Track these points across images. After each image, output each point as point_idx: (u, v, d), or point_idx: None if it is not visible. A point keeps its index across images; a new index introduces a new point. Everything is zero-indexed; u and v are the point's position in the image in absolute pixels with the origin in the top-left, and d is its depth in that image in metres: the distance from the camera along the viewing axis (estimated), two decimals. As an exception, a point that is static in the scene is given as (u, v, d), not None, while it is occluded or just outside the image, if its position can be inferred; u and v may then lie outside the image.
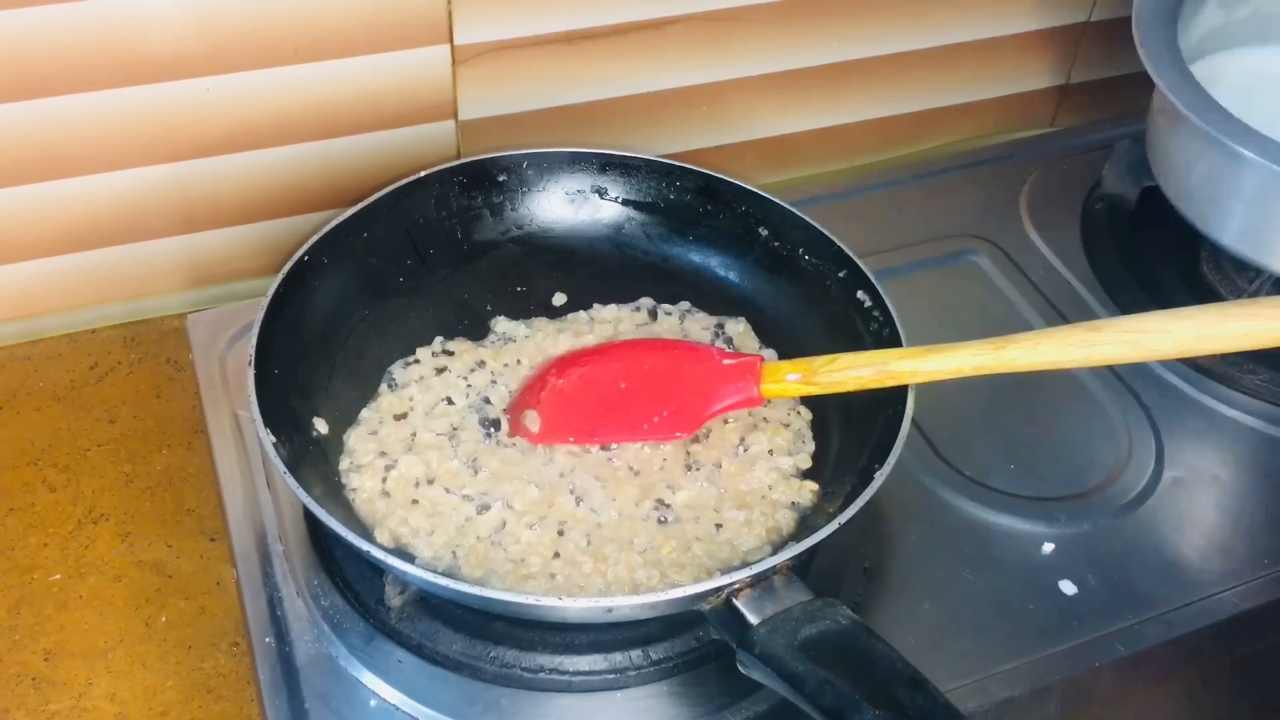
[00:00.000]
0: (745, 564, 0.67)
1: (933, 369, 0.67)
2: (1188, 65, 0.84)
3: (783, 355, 0.83)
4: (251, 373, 0.70)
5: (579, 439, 0.75)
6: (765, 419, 0.78)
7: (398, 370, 0.80)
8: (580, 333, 0.84)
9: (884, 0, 1.03)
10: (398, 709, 0.68)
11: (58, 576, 0.80)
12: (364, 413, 0.78)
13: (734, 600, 0.62)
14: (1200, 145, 0.85)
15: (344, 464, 0.74)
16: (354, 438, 0.76)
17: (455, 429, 0.76)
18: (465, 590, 0.62)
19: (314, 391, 0.77)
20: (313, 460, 0.73)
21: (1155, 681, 0.77)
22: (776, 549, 0.70)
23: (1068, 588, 0.76)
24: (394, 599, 0.69)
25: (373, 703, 0.68)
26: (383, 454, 0.74)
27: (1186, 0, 0.90)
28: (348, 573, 0.73)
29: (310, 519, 0.74)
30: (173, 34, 0.83)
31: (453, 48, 0.91)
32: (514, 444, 0.76)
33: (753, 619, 0.61)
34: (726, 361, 0.74)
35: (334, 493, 0.72)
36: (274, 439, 0.68)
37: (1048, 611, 0.75)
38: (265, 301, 0.75)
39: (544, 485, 0.73)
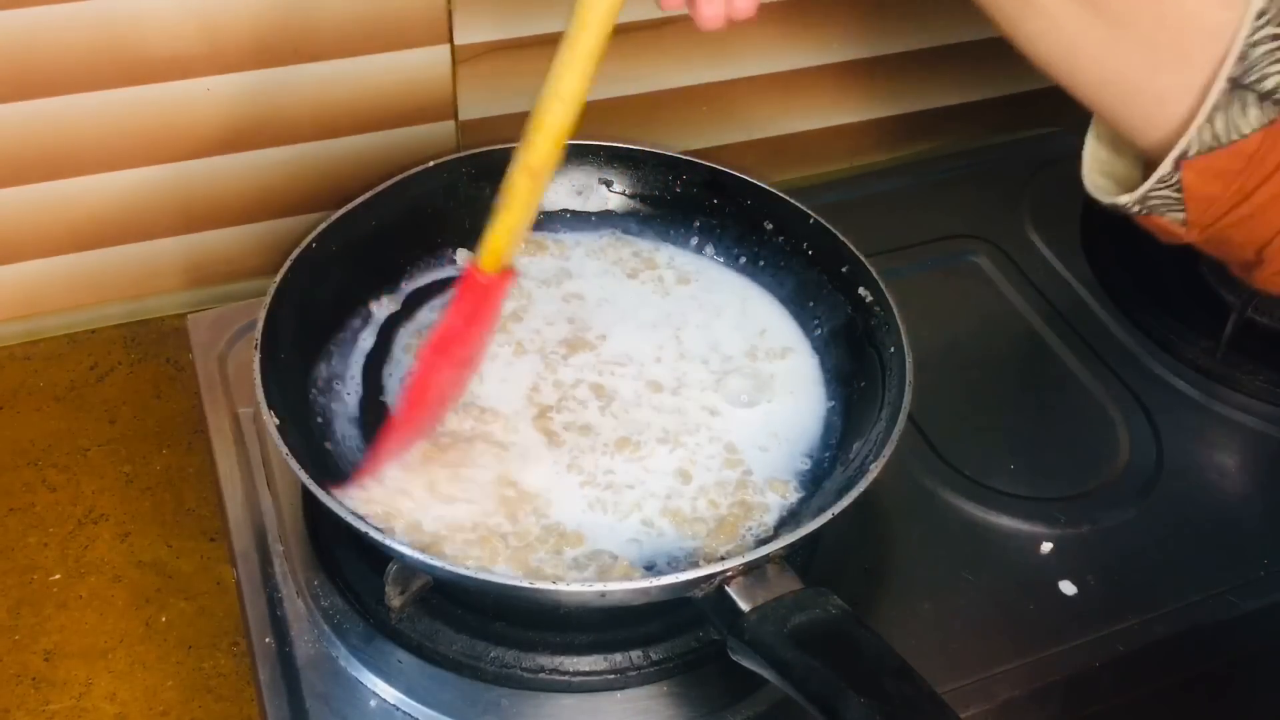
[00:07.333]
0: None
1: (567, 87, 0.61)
2: None
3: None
4: (258, 356, 0.70)
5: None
6: (764, 417, 0.78)
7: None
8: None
9: (884, 0, 1.03)
10: (398, 709, 0.68)
11: (58, 576, 0.80)
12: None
13: (726, 587, 0.62)
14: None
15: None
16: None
17: (458, 418, 0.76)
18: (462, 573, 0.62)
19: (319, 378, 0.77)
20: (316, 447, 0.73)
21: (1155, 681, 0.77)
22: (768, 539, 0.70)
23: (1067, 588, 0.76)
24: (394, 599, 0.69)
25: (373, 703, 0.68)
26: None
27: None
28: (348, 573, 0.73)
29: (310, 518, 0.74)
30: (173, 34, 0.83)
31: (453, 48, 0.91)
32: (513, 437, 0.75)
33: (744, 606, 0.62)
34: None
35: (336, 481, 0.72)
36: (277, 421, 0.67)
37: (1048, 611, 0.75)
38: (272, 287, 0.74)
39: (545, 475, 0.73)
